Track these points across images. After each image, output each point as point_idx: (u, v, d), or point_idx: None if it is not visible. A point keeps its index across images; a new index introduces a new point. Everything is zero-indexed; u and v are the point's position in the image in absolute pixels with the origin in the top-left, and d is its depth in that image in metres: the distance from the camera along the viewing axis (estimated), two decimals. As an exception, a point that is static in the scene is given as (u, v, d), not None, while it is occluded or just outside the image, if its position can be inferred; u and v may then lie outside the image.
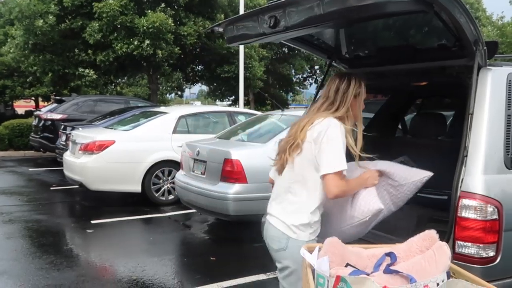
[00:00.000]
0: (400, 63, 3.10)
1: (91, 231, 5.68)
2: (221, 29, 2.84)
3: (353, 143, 2.20)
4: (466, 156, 2.34)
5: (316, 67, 28.41)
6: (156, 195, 7.00)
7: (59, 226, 5.96)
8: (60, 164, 8.32)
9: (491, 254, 2.24)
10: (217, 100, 29.88)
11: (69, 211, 7.14)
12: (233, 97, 24.43)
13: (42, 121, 11.32)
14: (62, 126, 9.97)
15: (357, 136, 2.28)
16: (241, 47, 14.08)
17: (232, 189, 4.98)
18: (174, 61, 15.16)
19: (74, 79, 14.81)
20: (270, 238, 2.29)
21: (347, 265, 1.70)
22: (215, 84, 20.11)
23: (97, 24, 13.51)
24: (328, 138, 2.10)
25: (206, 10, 15.85)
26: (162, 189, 7.05)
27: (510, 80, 2.53)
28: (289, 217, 2.20)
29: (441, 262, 1.60)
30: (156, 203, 6.96)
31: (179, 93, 31.91)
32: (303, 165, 2.17)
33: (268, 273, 4.23)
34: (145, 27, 13.16)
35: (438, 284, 1.51)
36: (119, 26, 13.56)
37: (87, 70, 14.31)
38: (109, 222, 6.05)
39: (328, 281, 1.52)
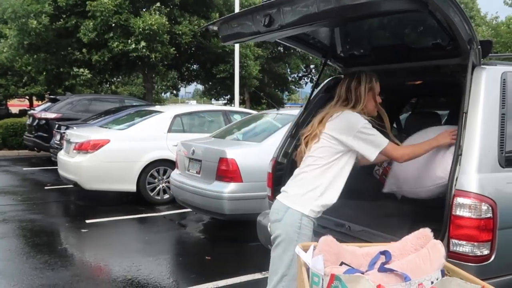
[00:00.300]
0: (395, 62, 3.10)
1: (85, 230, 5.66)
2: (215, 28, 2.83)
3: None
4: (461, 154, 2.34)
5: (312, 66, 28.46)
6: (151, 194, 6.98)
7: (53, 225, 5.93)
8: (55, 163, 8.28)
9: (486, 252, 2.25)
10: (213, 99, 29.87)
11: (63, 210, 7.11)
12: (228, 96, 24.43)
13: (36, 120, 11.26)
14: (57, 125, 9.93)
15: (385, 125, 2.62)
16: (237, 46, 14.06)
17: (228, 188, 4.97)
18: (169, 61, 15.14)
19: (69, 78, 14.74)
20: (271, 210, 2.49)
21: (342, 263, 1.70)
22: (210, 83, 20.09)
23: (92, 23, 13.45)
24: (359, 130, 2.37)
25: (201, 9, 15.83)
26: (157, 188, 7.03)
27: (504, 79, 2.54)
28: (294, 189, 2.43)
29: (435, 260, 1.60)
30: (151, 202, 6.94)
31: (174, 92, 31.84)
32: (319, 151, 2.42)
33: (263, 272, 4.22)
34: (141, 29, 13.12)
35: (432, 282, 1.51)
36: (113, 25, 13.51)
37: (81, 70, 14.25)
38: (104, 222, 6.02)
39: (322, 279, 1.52)
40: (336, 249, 1.75)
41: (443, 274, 1.59)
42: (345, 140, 2.38)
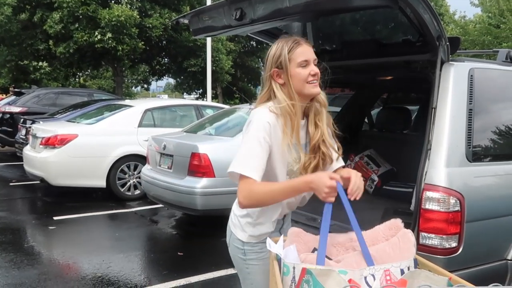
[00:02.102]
0: (366, 58, 3.13)
1: (53, 227, 5.51)
2: (186, 21, 2.79)
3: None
4: (430, 149, 2.39)
5: (284, 61, 28.51)
6: (122, 190, 6.86)
7: (19, 223, 5.75)
8: (20, 159, 8.03)
9: (454, 244, 2.30)
10: (185, 93, 29.59)
11: (30, 207, 6.90)
12: (200, 90, 24.25)
13: (0, 114, 10.89)
14: (22, 120, 9.62)
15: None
16: (208, 40, 13.95)
17: (200, 184, 4.93)
18: (137, 55, 14.89)
19: (34, 71, 14.33)
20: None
21: (314, 249, 1.70)
22: (182, 77, 19.90)
23: (58, 15, 13.07)
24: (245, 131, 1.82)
25: (172, 2, 15.62)
26: (128, 184, 6.91)
27: (471, 75, 2.60)
28: (234, 206, 1.98)
29: (405, 249, 1.62)
30: (122, 198, 6.83)
31: (145, 86, 31.37)
32: None
33: (236, 267, 4.22)
34: (107, 20, 12.84)
35: (402, 270, 1.53)
36: (80, 16, 13.17)
37: (40, 63, 13.87)
38: (72, 218, 5.88)
39: (294, 268, 1.51)
40: (306, 239, 1.75)
41: (416, 264, 1.61)
42: None
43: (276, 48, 1.79)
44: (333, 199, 1.61)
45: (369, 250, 1.65)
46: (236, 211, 1.94)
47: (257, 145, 1.70)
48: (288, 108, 1.73)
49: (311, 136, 1.83)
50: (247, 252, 1.89)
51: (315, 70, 1.77)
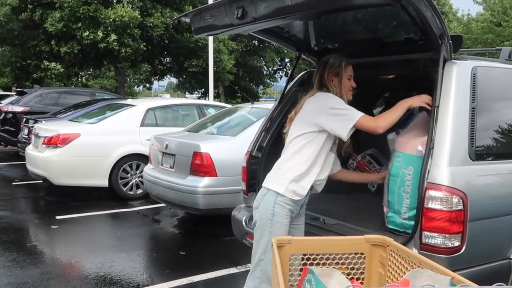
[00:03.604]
0: (369, 56, 3.12)
1: (56, 227, 5.52)
2: (187, 20, 2.78)
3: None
4: (432, 148, 2.37)
5: (287, 59, 28.53)
6: (124, 189, 6.86)
7: (22, 222, 5.76)
8: (23, 158, 8.05)
9: (457, 244, 2.29)
10: (187, 92, 29.60)
11: (32, 206, 6.91)
12: (202, 89, 24.25)
13: (3, 114, 10.91)
14: (24, 119, 9.65)
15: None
16: (210, 41, 13.94)
17: (202, 183, 4.93)
18: (139, 57, 14.90)
19: (37, 71, 14.34)
20: (256, 197, 2.56)
21: None
22: (184, 76, 19.90)
23: (59, 14, 13.08)
24: (330, 107, 2.42)
25: (174, 1, 15.61)
26: (130, 183, 6.91)
27: (474, 74, 2.58)
28: (273, 172, 2.54)
29: None
30: (124, 197, 6.83)
31: (147, 85, 31.39)
32: (295, 133, 2.52)
33: (239, 267, 4.22)
34: (111, 20, 12.84)
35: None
36: (82, 16, 13.18)
37: (53, 64, 13.89)
38: (75, 218, 5.89)
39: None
40: None
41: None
42: (317, 120, 2.42)
43: (334, 61, 2.57)
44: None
45: None
46: (276, 171, 2.50)
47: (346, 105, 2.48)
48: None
49: None
50: (276, 213, 2.39)
51: (354, 84, 2.61)
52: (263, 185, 2.51)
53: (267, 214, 2.40)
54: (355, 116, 2.38)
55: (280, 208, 2.40)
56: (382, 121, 2.42)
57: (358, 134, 4.38)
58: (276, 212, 2.39)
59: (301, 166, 2.43)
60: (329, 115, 2.40)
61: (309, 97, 2.56)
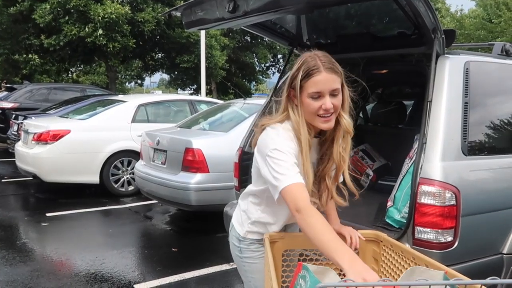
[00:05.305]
0: (361, 51, 3.10)
1: (46, 224, 5.46)
2: (178, 14, 2.74)
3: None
4: (425, 143, 2.37)
5: (279, 56, 28.49)
6: (115, 186, 6.82)
7: (11, 219, 5.69)
8: (12, 155, 7.96)
9: (449, 239, 2.29)
10: (179, 89, 29.47)
11: (22, 204, 6.83)
12: (195, 86, 24.15)
13: (-8, 110, 10.79)
14: (14, 115, 9.55)
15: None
16: (202, 36, 13.87)
17: (194, 179, 4.90)
18: (129, 54, 14.78)
19: (24, 65, 14.20)
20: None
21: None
22: (176, 72, 19.80)
23: (48, 6, 12.93)
24: (267, 154, 1.64)
25: (165, -4, 15.52)
26: (122, 180, 6.87)
27: (467, 68, 2.58)
28: (240, 201, 1.96)
29: None
30: (116, 194, 6.79)
31: (139, 82, 31.18)
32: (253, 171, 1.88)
33: (231, 263, 4.20)
34: (100, 16, 12.72)
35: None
36: (72, 10, 13.04)
37: (30, 55, 13.73)
38: (65, 215, 5.83)
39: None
40: None
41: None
42: (259, 166, 1.67)
43: (295, 68, 1.63)
44: None
45: None
46: (241, 205, 1.91)
47: (289, 158, 1.57)
48: (299, 133, 1.62)
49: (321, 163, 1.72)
50: (243, 249, 1.86)
51: (327, 105, 1.57)
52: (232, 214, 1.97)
53: (235, 251, 1.91)
54: (282, 181, 1.53)
55: (248, 243, 1.85)
56: (306, 218, 1.47)
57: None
58: (243, 248, 1.86)
59: (257, 212, 1.83)
60: (266, 166, 1.61)
61: (259, 131, 1.72)
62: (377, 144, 4.06)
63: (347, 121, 1.66)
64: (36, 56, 13.78)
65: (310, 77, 1.57)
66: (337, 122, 1.66)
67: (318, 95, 1.58)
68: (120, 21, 13.07)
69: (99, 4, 13.20)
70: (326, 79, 1.57)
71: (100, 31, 12.96)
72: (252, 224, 1.83)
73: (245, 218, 1.85)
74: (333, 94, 1.59)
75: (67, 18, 13.16)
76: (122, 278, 3.92)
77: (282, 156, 1.56)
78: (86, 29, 13.02)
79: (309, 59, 1.61)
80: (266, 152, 1.60)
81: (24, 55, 13.78)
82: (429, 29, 2.38)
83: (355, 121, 4.73)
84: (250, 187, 1.87)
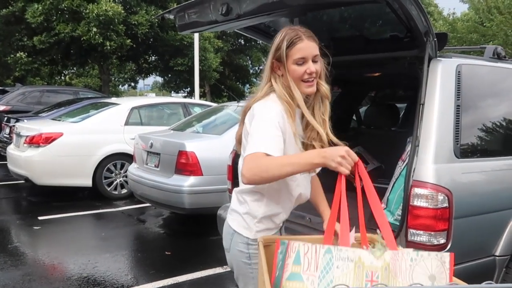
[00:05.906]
0: (354, 54, 3.11)
1: (38, 227, 5.41)
2: (171, 16, 2.74)
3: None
4: (418, 145, 2.38)
5: (272, 59, 28.48)
6: (108, 189, 6.78)
7: (2, 223, 5.64)
8: (4, 158, 7.90)
9: (442, 241, 2.29)
10: (172, 91, 29.42)
11: (14, 207, 6.78)
12: (188, 88, 24.13)
13: (-16, 113, 10.70)
14: (6, 118, 9.46)
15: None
16: (196, 39, 13.86)
17: (187, 182, 4.89)
18: (124, 53, 14.73)
19: (13, 65, 14.09)
20: (223, 234, 1.93)
21: None
22: (169, 75, 19.77)
23: (40, 7, 12.86)
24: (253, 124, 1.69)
25: (158, -1, 15.52)
26: (115, 183, 6.83)
27: (459, 71, 2.59)
28: (235, 204, 1.88)
29: None
30: (108, 197, 6.75)
31: (132, 84, 31.10)
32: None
33: (225, 266, 4.18)
34: (95, 14, 12.66)
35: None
36: (65, 9, 12.98)
37: (18, 54, 13.62)
38: (57, 218, 5.79)
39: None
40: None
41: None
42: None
43: (278, 40, 1.73)
44: (346, 171, 1.47)
45: None
46: (237, 206, 1.84)
47: (274, 128, 1.60)
48: (287, 98, 1.71)
49: (307, 130, 1.79)
50: (252, 255, 1.77)
51: (311, 68, 1.70)
52: (229, 222, 1.86)
53: (242, 259, 1.80)
54: (252, 147, 1.56)
55: (255, 251, 1.77)
56: (257, 167, 1.51)
57: (344, 132, 4.40)
58: (252, 254, 1.78)
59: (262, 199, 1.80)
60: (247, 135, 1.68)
61: (243, 113, 1.79)
62: (370, 146, 4.07)
63: (325, 87, 1.81)
64: (22, 54, 13.64)
65: (294, 45, 1.70)
66: (317, 89, 1.79)
67: (303, 61, 1.71)
68: (116, 20, 13.02)
69: (92, 3, 13.14)
70: (308, 46, 1.72)
71: (95, 29, 12.89)
72: (260, 222, 1.78)
73: (249, 219, 1.79)
74: (314, 60, 1.74)
75: (59, 16, 13.08)
76: (115, 281, 3.89)
77: (266, 124, 1.61)
78: (79, 27, 12.93)
79: (289, 31, 1.74)
80: (254, 118, 1.67)
81: (12, 55, 13.67)
82: (421, 32, 2.39)
83: (349, 123, 4.75)
84: (242, 188, 1.83)
